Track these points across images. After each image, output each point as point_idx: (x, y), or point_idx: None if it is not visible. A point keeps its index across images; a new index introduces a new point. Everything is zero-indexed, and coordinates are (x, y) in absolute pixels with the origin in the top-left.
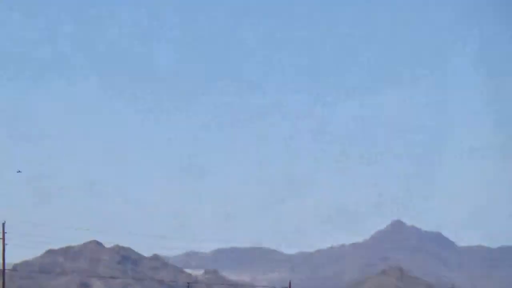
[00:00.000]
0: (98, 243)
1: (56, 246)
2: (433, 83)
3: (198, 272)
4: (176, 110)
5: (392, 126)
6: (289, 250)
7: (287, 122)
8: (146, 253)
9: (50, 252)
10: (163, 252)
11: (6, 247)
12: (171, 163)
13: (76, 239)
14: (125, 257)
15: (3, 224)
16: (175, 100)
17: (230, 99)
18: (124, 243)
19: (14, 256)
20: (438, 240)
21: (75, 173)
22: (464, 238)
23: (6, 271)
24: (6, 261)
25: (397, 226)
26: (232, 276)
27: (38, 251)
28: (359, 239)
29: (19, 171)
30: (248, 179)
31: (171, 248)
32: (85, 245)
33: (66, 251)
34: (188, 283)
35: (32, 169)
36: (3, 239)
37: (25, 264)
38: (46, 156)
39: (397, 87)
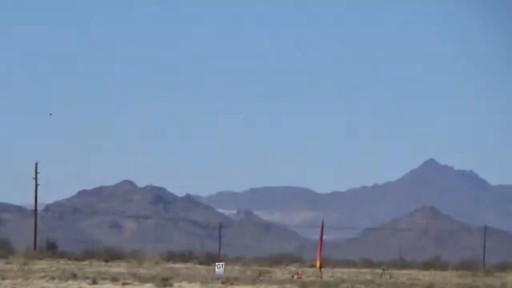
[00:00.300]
0: (130, 183)
1: (88, 186)
2: None
3: (231, 212)
4: None
5: None
6: (322, 189)
7: None
8: (179, 193)
9: (82, 192)
10: (196, 192)
11: (39, 188)
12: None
13: (109, 180)
14: (158, 197)
15: (36, 164)
16: None
17: None
18: (157, 183)
19: (47, 197)
20: (471, 178)
21: (107, 113)
22: (497, 176)
23: (38, 211)
24: (38, 201)
25: (430, 164)
26: (265, 215)
27: (71, 192)
28: (391, 178)
29: (51, 114)
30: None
31: (204, 188)
32: (118, 185)
33: (99, 192)
34: (220, 223)
35: (64, 109)
36: (36, 179)
37: (57, 204)
38: (77, 97)
39: None
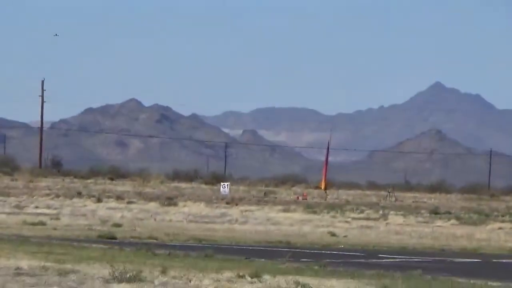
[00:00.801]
0: (137, 102)
1: (95, 104)
2: None
3: (236, 132)
4: None
5: None
6: (329, 111)
7: None
8: (185, 112)
9: (88, 110)
10: (201, 112)
11: (45, 105)
12: (212, 19)
13: (115, 98)
14: (164, 116)
15: (42, 82)
16: None
17: None
18: (163, 102)
19: (53, 115)
20: (477, 102)
21: (112, 30)
22: (504, 100)
23: (43, 129)
24: (44, 119)
25: (437, 88)
26: (270, 136)
27: (77, 110)
28: (398, 100)
29: (56, 35)
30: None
31: (209, 107)
32: (124, 103)
33: (105, 110)
34: (225, 142)
35: (69, 29)
36: (42, 96)
37: (63, 122)
38: (83, 16)
39: None
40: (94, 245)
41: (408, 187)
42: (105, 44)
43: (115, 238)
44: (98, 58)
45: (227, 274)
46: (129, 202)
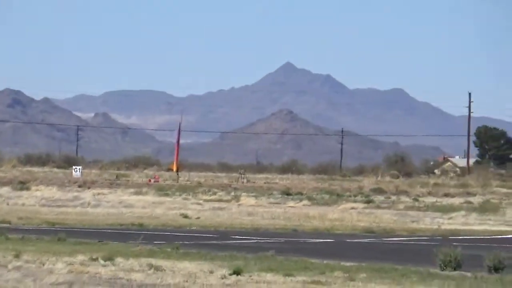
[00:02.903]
0: None
1: None
2: None
3: (88, 115)
4: None
5: None
6: (179, 93)
7: None
8: (37, 96)
9: None
10: (53, 95)
11: None
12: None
13: None
14: (16, 100)
15: None
16: None
17: None
18: (15, 86)
19: None
20: (329, 82)
21: None
22: (355, 80)
23: None
24: None
25: (288, 68)
26: (122, 119)
27: None
28: (249, 81)
29: None
30: None
31: (61, 91)
32: None
33: None
34: (77, 126)
35: None
36: None
37: None
38: None
39: None
40: None
41: (260, 168)
42: None
43: None
44: None
45: (81, 257)
46: None
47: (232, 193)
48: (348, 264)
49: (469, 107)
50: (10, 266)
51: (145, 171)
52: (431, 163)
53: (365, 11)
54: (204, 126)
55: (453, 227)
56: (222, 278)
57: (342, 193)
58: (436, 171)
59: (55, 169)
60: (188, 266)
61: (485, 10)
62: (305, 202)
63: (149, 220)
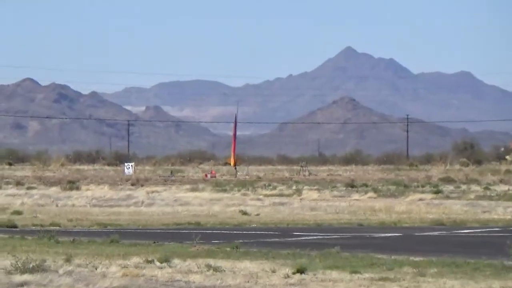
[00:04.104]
0: (33, 81)
1: None
2: None
3: (139, 109)
4: None
5: None
6: (235, 82)
7: None
8: (84, 90)
9: None
10: (101, 89)
11: None
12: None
13: (10, 78)
14: (62, 95)
15: None
16: None
17: None
18: (61, 81)
19: None
20: (392, 67)
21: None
22: (419, 64)
23: None
24: None
25: (348, 53)
26: (174, 112)
27: None
28: (308, 68)
29: None
30: None
31: (110, 84)
32: (19, 83)
33: None
34: (128, 120)
35: None
36: None
37: None
38: None
39: None
40: None
41: (322, 159)
42: None
43: (15, 227)
44: None
45: (135, 259)
46: (29, 188)
47: (293, 187)
48: (417, 259)
49: None
50: (61, 271)
51: (201, 166)
52: (502, 149)
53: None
54: (262, 117)
55: None
56: (285, 278)
57: (409, 183)
58: (507, 157)
59: (106, 167)
60: (248, 265)
61: None
62: (371, 194)
63: (206, 218)
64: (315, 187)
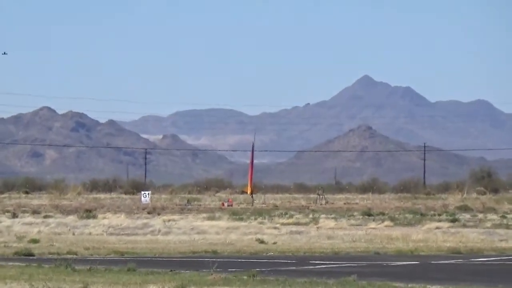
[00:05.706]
0: (50, 110)
1: (5, 114)
2: None
3: (156, 137)
4: None
5: None
6: (252, 111)
7: None
8: (101, 119)
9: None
10: (119, 117)
11: None
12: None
13: (27, 107)
14: (79, 123)
15: None
16: None
17: None
18: (78, 109)
19: None
20: (408, 95)
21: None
22: (436, 92)
23: None
24: None
25: (365, 81)
26: (191, 140)
27: None
28: (325, 97)
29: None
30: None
31: (127, 112)
32: (37, 112)
33: (17, 119)
34: (145, 149)
35: None
36: None
37: None
38: None
39: None
40: (10, 263)
41: (338, 188)
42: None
43: (32, 255)
44: (6, 65)
45: None
46: (46, 216)
47: (310, 216)
48: (434, 287)
49: None
50: None
51: (218, 194)
52: None
53: (445, 22)
54: (279, 145)
55: None
56: None
57: (426, 212)
58: None
59: (123, 195)
60: None
61: None
62: (387, 222)
63: (223, 247)
64: (332, 216)
